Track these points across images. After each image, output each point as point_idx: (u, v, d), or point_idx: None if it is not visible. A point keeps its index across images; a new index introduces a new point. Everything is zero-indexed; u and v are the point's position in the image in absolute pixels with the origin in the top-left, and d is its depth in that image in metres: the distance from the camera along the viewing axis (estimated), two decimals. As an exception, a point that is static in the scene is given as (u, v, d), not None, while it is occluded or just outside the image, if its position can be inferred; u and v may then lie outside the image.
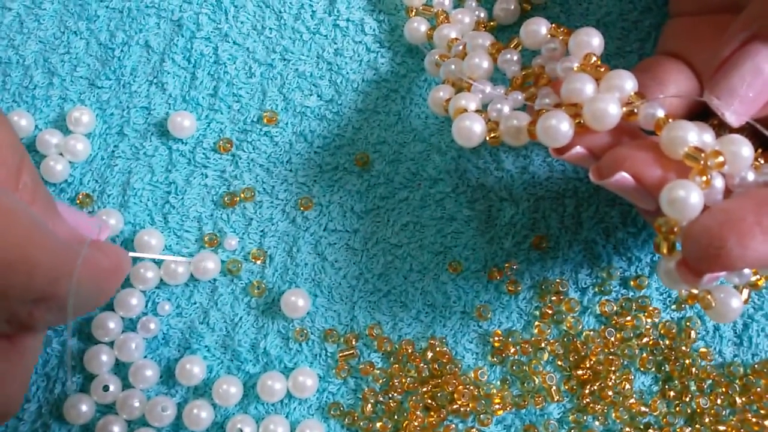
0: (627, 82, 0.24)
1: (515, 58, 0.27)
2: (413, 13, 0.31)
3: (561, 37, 0.26)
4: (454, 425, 0.28)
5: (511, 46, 0.28)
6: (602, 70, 0.24)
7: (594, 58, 0.25)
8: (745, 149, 0.22)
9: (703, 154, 0.22)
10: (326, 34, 0.32)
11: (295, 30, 0.32)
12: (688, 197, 0.21)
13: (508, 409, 0.28)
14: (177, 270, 0.29)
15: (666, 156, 0.23)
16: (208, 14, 0.32)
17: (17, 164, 0.23)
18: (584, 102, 0.24)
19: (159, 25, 0.32)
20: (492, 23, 0.31)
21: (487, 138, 0.26)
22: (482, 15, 0.31)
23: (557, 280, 0.29)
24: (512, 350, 0.29)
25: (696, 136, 0.22)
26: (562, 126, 0.24)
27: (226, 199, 0.30)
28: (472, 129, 0.26)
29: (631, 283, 0.29)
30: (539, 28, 0.26)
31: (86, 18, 0.32)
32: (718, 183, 0.22)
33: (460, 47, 0.28)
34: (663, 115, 0.23)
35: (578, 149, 0.24)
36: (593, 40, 0.25)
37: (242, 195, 0.30)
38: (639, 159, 0.23)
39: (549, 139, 0.24)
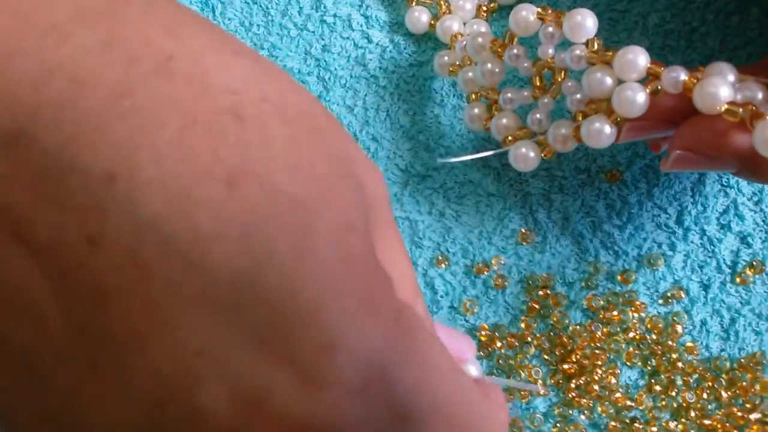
0: (640, 57, 0.24)
1: (521, 52, 0.27)
2: (413, 3, 0.31)
3: (552, 20, 0.26)
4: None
5: (508, 40, 0.28)
6: (610, 54, 0.24)
7: (597, 44, 0.25)
8: (759, 94, 0.23)
9: (740, 109, 0.22)
10: (313, 30, 0.32)
11: (283, 26, 0.32)
12: None
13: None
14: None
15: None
16: (196, 11, 0.32)
17: (418, 291, 0.20)
18: (610, 94, 0.24)
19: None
20: (492, 5, 0.31)
21: (543, 156, 0.27)
22: (483, -3, 0.31)
23: (544, 275, 0.29)
24: (499, 344, 0.29)
25: (728, 90, 0.23)
26: (605, 129, 0.25)
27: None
28: (528, 156, 0.27)
29: (618, 277, 0.29)
30: (528, 14, 0.27)
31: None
32: None
33: (464, 44, 0.28)
34: (687, 77, 0.23)
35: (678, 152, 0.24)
36: (587, 21, 0.25)
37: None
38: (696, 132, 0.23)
39: (595, 142, 0.25)
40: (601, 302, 0.29)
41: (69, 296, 0.15)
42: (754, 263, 0.29)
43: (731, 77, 0.24)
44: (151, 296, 0.14)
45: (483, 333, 0.29)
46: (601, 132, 0.25)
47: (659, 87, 0.24)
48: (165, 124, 0.15)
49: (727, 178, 0.30)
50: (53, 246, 0.15)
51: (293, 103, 0.16)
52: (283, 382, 0.15)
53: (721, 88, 0.23)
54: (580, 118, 0.25)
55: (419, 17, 0.31)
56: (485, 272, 0.30)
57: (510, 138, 0.27)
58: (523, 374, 0.29)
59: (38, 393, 0.16)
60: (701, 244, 0.29)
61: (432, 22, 0.31)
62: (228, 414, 0.15)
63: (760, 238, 0.29)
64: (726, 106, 0.23)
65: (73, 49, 0.15)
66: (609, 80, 0.24)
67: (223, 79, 0.16)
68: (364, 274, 0.15)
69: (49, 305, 0.15)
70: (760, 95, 0.24)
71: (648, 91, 0.24)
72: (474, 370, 0.22)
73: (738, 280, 0.29)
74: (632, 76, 0.24)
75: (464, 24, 0.31)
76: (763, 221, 0.30)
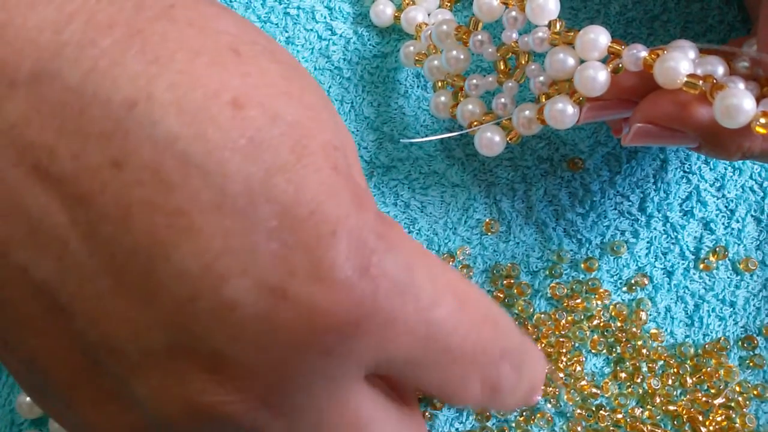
0: (601, 36, 0.24)
1: (486, 38, 0.27)
2: None
3: (515, 4, 0.26)
4: (406, 410, 0.28)
5: (473, 26, 0.28)
6: (571, 34, 0.25)
7: (559, 25, 0.25)
8: (720, 68, 0.23)
9: (700, 81, 0.23)
10: (277, 22, 0.32)
11: (246, 19, 0.32)
12: (741, 103, 0.22)
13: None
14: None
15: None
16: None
17: None
18: (573, 75, 0.24)
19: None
20: None
21: (509, 140, 0.27)
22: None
23: (509, 265, 0.29)
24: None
25: (688, 64, 0.23)
26: (567, 109, 0.25)
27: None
28: (493, 140, 0.27)
29: (582, 265, 0.29)
30: (491, 0, 0.27)
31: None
32: (741, 85, 0.23)
33: (429, 33, 0.28)
34: (647, 54, 0.23)
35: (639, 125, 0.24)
36: (549, 4, 0.25)
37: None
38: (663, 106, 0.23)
39: (558, 123, 0.25)
40: (565, 290, 0.29)
41: (92, 220, 0.16)
42: (717, 249, 0.29)
43: (691, 53, 0.24)
44: (173, 206, 0.16)
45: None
46: (564, 112, 0.25)
47: (620, 65, 0.24)
48: (174, 57, 0.17)
49: (689, 165, 0.30)
50: (77, 173, 0.16)
51: (278, 50, 0.19)
52: (302, 271, 0.16)
53: (681, 62, 0.23)
54: (544, 100, 0.26)
55: (384, 10, 0.31)
56: (450, 263, 0.30)
57: (476, 123, 0.27)
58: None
59: (61, 320, 0.17)
60: (664, 230, 0.30)
61: (396, 14, 0.31)
62: (255, 303, 0.16)
63: (723, 224, 0.30)
64: (686, 79, 0.23)
65: None
66: (571, 60, 0.25)
67: (220, 23, 0.18)
68: (350, 181, 0.18)
69: (70, 233, 0.16)
70: (720, 69, 0.24)
71: (609, 69, 0.24)
72: None
73: (701, 266, 0.29)
74: (594, 55, 0.24)
75: (428, 14, 0.31)
76: (726, 207, 0.30)
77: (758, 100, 0.22)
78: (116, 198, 0.16)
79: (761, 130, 0.22)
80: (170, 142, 0.16)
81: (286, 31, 0.32)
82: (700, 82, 0.23)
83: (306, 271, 0.16)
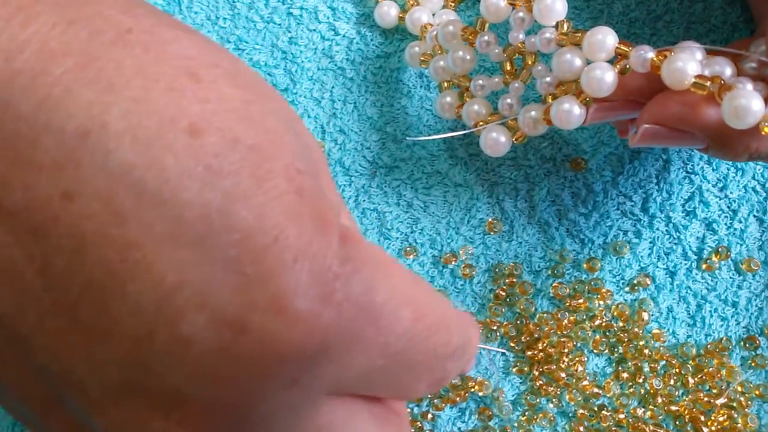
0: (608, 37, 0.24)
1: (492, 39, 0.27)
2: None
3: (522, 4, 0.26)
4: (408, 409, 0.29)
5: (479, 27, 0.28)
6: (579, 35, 0.25)
7: (567, 26, 0.25)
8: (728, 69, 0.23)
9: (708, 82, 0.23)
10: (280, 22, 0.32)
11: (249, 19, 0.32)
12: (749, 104, 0.22)
13: (463, 393, 0.29)
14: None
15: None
16: (162, 5, 0.32)
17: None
18: (579, 75, 0.24)
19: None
20: None
21: (514, 141, 0.27)
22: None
23: (511, 264, 0.30)
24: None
25: (696, 65, 0.23)
26: (574, 110, 0.25)
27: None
28: (499, 140, 0.27)
29: (584, 265, 0.29)
30: (498, 0, 0.27)
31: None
32: (749, 86, 0.23)
33: (434, 33, 0.28)
34: (655, 55, 0.23)
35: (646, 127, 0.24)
36: (557, 5, 0.25)
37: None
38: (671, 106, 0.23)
39: (565, 124, 0.25)
40: (568, 290, 0.29)
41: (45, 253, 0.16)
42: (720, 249, 0.29)
43: (699, 54, 0.24)
44: (127, 238, 0.15)
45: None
46: (570, 113, 0.25)
47: (627, 66, 0.24)
48: (129, 84, 0.16)
49: (692, 165, 0.30)
50: (29, 205, 0.16)
51: (242, 72, 0.18)
52: (263, 302, 0.16)
53: (689, 63, 0.23)
54: (550, 101, 0.26)
55: (388, 11, 0.31)
56: (453, 262, 0.30)
57: (481, 123, 0.27)
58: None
59: (22, 353, 0.17)
60: (667, 231, 0.30)
61: (401, 15, 0.31)
62: (213, 338, 0.16)
63: (726, 224, 0.30)
64: (694, 80, 0.23)
65: (40, 25, 0.16)
66: (578, 61, 0.25)
67: (179, 47, 0.17)
68: (315, 204, 0.17)
69: (26, 267, 0.16)
70: (728, 71, 0.24)
71: (616, 70, 0.24)
72: None
73: (704, 266, 0.29)
74: (601, 56, 0.24)
75: (433, 15, 0.31)
76: (728, 207, 0.30)
77: (767, 100, 0.22)
78: (69, 230, 0.15)
79: None
80: (124, 171, 0.16)
81: (289, 32, 0.32)
82: (708, 83, 0.23)
83: (266, 302, 0.16)
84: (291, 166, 0.17)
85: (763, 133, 0.22)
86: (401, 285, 0.19)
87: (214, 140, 0.16)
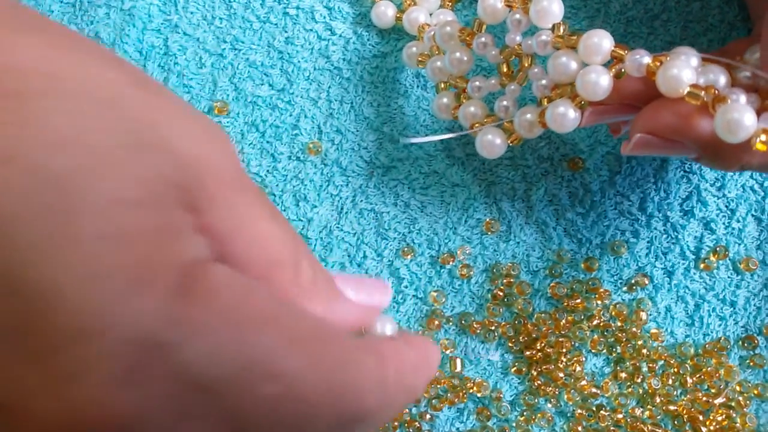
0: (604, 41, 0.24)
1: (489, 40, 0.27)
2: None
3: (519, 6, 0.26)
4: (407, 410, 0.28)
5: (477, 28, 0.28)
6: (575, 38, 0.25)
7: (563, 28, 0.25)
8: (722, 78, 0.23)
9: (703, 92, 0.22)
10: (276, 22, 0.32)
11: (245, 19, 0.32)
12: (742, 118, 0.22)
13: (461, 394, 0.29)
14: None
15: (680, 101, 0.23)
16: (159, 5, 0.32)
17: (295, 256, 0.18)
18: (575, 78, 0.24)
19: (109, 16, 0.32)
20: None
21: (510, 143, 0.27)
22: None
23: (509, 264, 0.29)
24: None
25: (691, 73, 0.23)
26: (569, 113, 0.25)
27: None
28: (494, 142, 0.27)
29: (582, 265, 0.29)
30: (495, 2, 0.27)
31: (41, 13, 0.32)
32: (742, 99, 0.23)
33: (432, 34, 0.28)
34: (650, 60, 0.23)
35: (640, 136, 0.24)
36: (553, 7, 0.25)
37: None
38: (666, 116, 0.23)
39: (560, 127, 0.25)
40: (565, 290, 0.29)
41: None
42: (718, 249, 0.29)
43: (694, 61, 0.24)
44: None
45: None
46: (565, 116, 0.25)
47: (623, 70, 0.24)
48: None
49: (690, 164, 0.30)
50: None
51: (78, 76, 0.15)
52: (34, 381, 0.13)
53: (684, 70, 0.23)
54: (546, 104, 0.25)
55: (385, 11, 0.31)
56: (450, 262, 0.30)
57: (477, 124, 0.27)
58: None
59: None
60: (664, 230, 0.30)
61: (398, 15, 0.31)
62: None
63: (723, 223, 0.30)
64: (689, 89, 0.23)
65: None
66: (574, 64, 0.25)
67: (7, 57, 0.14)
68: (137, 249, 0.14)
69: None
70: (722, 79, 0.24)
71: (612, 74, 0.24)
72: (389, 329, 0.21)
73: (702, 266, 0.29)
74: (596, 59, 0.24)
75: (430, 14, 0.31)
76: (726, 207, 0.30)
77: (759, 112, 0.22)
78: None
79: (761, 147, 0.22)
80: None
81: (286, 31, 0.32)
82: (702, 92, 0.23)
83: (41, 383, 0.13)
84: (108, 199, 0.14)
85: (753, 148, 0.22)
86: (270, 341, 0.15)
87: (13, 175, 0.13)
